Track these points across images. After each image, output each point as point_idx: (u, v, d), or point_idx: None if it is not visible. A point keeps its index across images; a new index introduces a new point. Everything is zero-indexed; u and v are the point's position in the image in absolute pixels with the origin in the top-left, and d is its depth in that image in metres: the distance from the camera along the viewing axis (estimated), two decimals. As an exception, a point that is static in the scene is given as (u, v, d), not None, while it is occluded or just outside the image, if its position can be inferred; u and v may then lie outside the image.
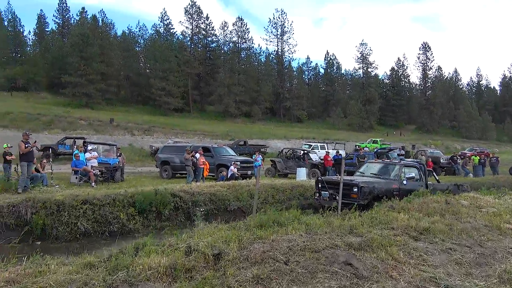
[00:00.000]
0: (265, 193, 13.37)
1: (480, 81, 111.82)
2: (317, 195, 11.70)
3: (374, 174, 12.46)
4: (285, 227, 6.07)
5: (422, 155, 26.95)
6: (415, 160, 26.86)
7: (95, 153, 16.90)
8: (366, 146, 41.46)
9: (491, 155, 30.53)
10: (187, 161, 16.64)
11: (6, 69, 67.35)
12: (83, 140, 21.47)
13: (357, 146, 40.04)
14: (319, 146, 37.26)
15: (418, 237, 6.44)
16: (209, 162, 19.22)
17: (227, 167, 18.78)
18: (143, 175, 21.91)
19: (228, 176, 17.78)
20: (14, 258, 4.78)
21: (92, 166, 15.75)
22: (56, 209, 9.46)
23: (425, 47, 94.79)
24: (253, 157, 20.89)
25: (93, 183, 14.79)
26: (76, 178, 15.06)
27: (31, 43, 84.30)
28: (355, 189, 10.57)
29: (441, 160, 28.67)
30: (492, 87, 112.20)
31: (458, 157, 29.02)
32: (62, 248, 8.90)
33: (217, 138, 45.55)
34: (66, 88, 59.76)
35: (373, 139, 50.73)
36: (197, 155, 17.52)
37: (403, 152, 32.13)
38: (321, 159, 24.17)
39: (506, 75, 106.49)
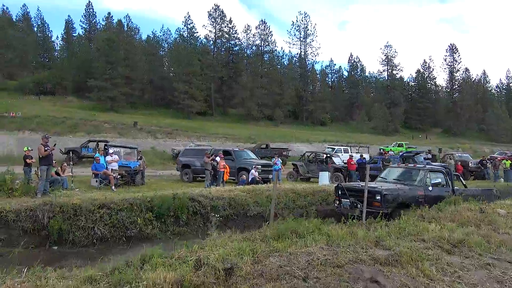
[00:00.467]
0: (285, 198, 13.00)
1: (510, 83, 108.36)
2: (337, 202, 11.07)
3: (397, 179, 11.73)
4: (304, 239, 5.65)
5: (450, 158, 25.98)
6: (442, 164, 26.07)
7: (116, 157, 16.87)
8: (391, 149, 40.53)
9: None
10: (206, 164, 16.43)
11: (35, 73, 69.16)
12: (104, 143, 21.55)
13: (381, 150, 39.19)
14: (342, 150, 36.57)
15: (452, 251, 5.89)
16: (230, 166, 18.99)
17: (248, 171, 18.51)
18: (164, 179, 21.86)
19: (249, 180, 17.49)
20: (15, 269, 4.55)
21: (112, 170, 15.73)
22: (73, 214, 9.34)
23: (452, 49, 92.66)
24: (272, 161, 20.51)
25: (113, 187, 14.74)
26: (96, 181, 15.04)
27: (58, 48, 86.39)
28: (378, 197, 9.88)
29: (470, 164, 27.69)
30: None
31: (488, 160, 27.95)
32: (79, 253, 8.78)
33: (240, 141, 45.40)
34: (91, 92, 60.96)
35: (398, 142, 49.65)
36: (218, 158, 17.30)
37: (429, 156, 31.19)
38: (345, 163, 23.63)
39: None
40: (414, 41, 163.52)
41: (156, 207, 10.25)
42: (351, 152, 34.03)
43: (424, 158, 26.91)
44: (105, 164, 15.96)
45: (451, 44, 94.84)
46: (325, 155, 25.12)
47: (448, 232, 6.65)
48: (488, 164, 26.96)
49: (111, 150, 17.11)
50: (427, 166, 12.23)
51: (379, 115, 76.39)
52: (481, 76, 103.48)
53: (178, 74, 68.34)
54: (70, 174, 14.94)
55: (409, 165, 13.83)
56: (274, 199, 7.88)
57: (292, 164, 24.98)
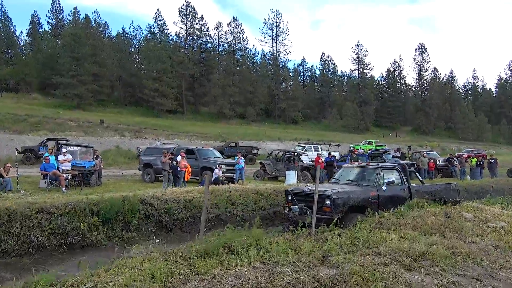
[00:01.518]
0: (247, 199, 12.39)
1: (476, 82, 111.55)
2: (287, 209, 10.19)
3: (350, 180, 10.95)
4: (236, 255, 4.75)
5: (424, 156, 25.87)
6: (410, 161, 25.96)
7: (69, 156, 15.86)
8: (360, 147, 40.58)
9: (488, 157, 29.67)
10: (164, 164, 15.58)
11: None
12: (58, 142, 20.19)
13: (351, 148, 39.16)
14: (312, 148, 36.36)
15: (412, 266, 5.08)
16: (193, 165, 18.26)
17: (212, 170, 17.82)
18: (126, 179, 20.94)
19: (212, 179, 16.80)
20: None
21: (64, 170, 14.74)
22: (6, 219, 8.44)
23: (421, 49, 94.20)
24: (235, 159, 19.83)
25: (64, 188, 13.79)
26: (45, 182, 14.02)
27: (23, 44, 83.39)
28: (328, 202, 9.01)
29: (438, 162, 27.81)
30: (488, 89, 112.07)
31: (455, 158, 28.11)
32: (10, 264, 7.92)
33: (210, 140, 44.63)
34: (57, 89, 58.84)
35: (368, 140, 49.90)
36: (179, 157, 16.53)
37: (398, 154, 31.22)
38: (312, 161, 23.23)
39: (502, 77, 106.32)
40: (385, 40, 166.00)
41: (103, 211, 9.45)
42: (321, 151, 33.83)
43: (392, 156, 26.87)
44: (55, 164, 14.94)
45: (420, 44, 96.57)
46: (292, 154, 24.63)
47: (408, 242, 5.93)
48: (455, 162, 27.09)
49: (64, 149, 16.09)
50: (380, 164, 11.38)
51: (351, 113, 76.84)
52: (449, 76, 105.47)
53: (148, 71, 66.90)
54: (15, 175, 13.86)
55: (363, 163, 13.02)
56: (206, 206, 6.63)
57: (260, 162, 24.43)
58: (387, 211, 8.57)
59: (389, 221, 7.27)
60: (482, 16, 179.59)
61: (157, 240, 7.35)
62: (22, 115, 42.35)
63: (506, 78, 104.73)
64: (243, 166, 19.26)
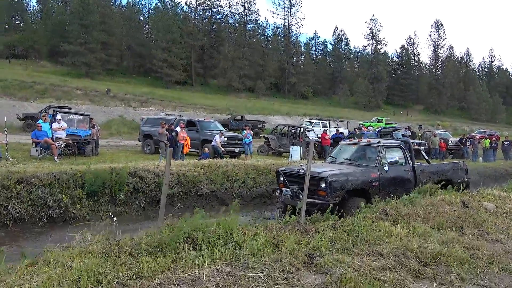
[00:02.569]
0: (245, 176, 11.77)
1: (493, 62, 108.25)
2: (279, 191, 9.17)
3: (349, 159, 9.73)
4: (198, 252, 3.77)
5: (434, 135, 25.02)
6: (420, 141, 25.12)
7: (64, 124, 15.30)
8: (370, 125, 39.58)
9: (502, 139, 28.62)
10: (160, 136, 14.95)
11: (5, 36, 65.66)
12: (54, 109, 19.61)
13: (360, 125, 38.16)
14: (320, 124, 35.54)
15: (422, 272, 4.06)
16: (194, 137, 17.64)
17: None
18: (128, 149, 20.46)
19: (212, 145, 16.17)
20: None
21: (57, 138, 14.19)
22: (-18, 190, 7.94)
23: (438, 25, 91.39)
24: (243, 133, 19.09)
25: (56, 157, 13.28)
26: (37, 150, 13.50)
27: (32, 10, 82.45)
28: (323, 185, 7.87)
29: (449, 142, 26.94)
30: (504, 69, 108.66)
31: (467, 139, 27.16)
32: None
33: (217, 113, 43.97)
34: (66, 56, 58.20)
35: (378, 118, 48.74)
36: (178, 128, 15.88)
37: (409, 132, 30.26)
38: (318, 137, 22.47)
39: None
40: (400, 15, 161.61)
41: (87, 183, 8.89)
42: (329, 127, 33.01)
43: (402, 134, 25.96)
44: (48, 132, 14.37)
45: (436, 20, 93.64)
46: (298, 129, 23.84)
47: (418, 239, 4.88)
48: (467, 142, 26.18)
49: (58, 117, 15.52)
50: (382, 142, 10.12)
51: (362, 90, 75.34)
52: (464, 54, 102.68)
53: (157, 41, 65.81)
54: (3, 142, 13.29)
55: (363, 140, 11.73)
56: (166, 186, 5.35)
57: (264, 137, 23.73)
58: (388, 195, 7.80)
59: (395, 210, 6.21)
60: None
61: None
62: (29, 82, 41.89)
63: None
64: (250, 140, 18.52)
